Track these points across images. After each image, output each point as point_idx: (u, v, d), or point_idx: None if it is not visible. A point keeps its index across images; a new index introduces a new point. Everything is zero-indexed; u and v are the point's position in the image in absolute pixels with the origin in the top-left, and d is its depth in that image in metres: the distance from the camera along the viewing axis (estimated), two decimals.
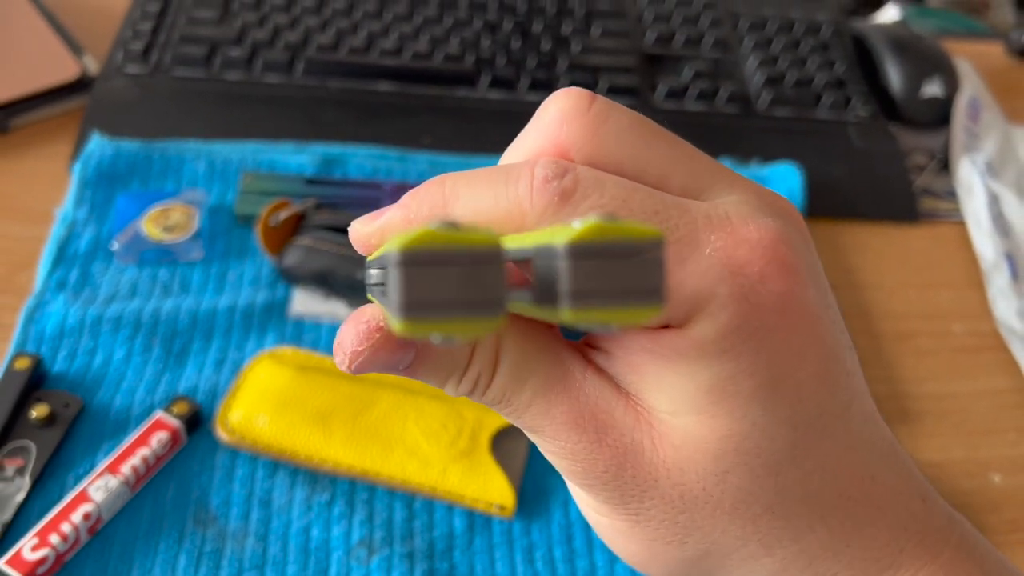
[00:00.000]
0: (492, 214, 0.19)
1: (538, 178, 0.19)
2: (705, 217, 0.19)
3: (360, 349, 0.19)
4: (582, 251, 0.14)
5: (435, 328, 0.14)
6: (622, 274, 0.14)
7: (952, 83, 0.63)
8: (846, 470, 0.20)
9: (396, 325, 0.14)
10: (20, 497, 0.37)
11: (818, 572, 0.21)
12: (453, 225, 0.14)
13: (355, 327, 0.20)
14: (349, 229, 0.22)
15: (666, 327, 0.19)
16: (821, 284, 0.20)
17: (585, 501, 0.22)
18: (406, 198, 0.21)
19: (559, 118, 0.20)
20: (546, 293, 0.15)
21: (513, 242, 0.17)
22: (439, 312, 0.14)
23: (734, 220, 0.19)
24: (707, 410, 0.19)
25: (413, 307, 0.14)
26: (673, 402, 0.19)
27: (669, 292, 0.15)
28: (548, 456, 0.21)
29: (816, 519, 0.20)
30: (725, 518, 0.20)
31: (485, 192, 0.19)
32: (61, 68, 0.55)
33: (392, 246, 0.14)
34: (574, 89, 0.21)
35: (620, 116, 0.20)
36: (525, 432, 0.22)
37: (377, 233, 0.21)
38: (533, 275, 0.16)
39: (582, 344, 0.21)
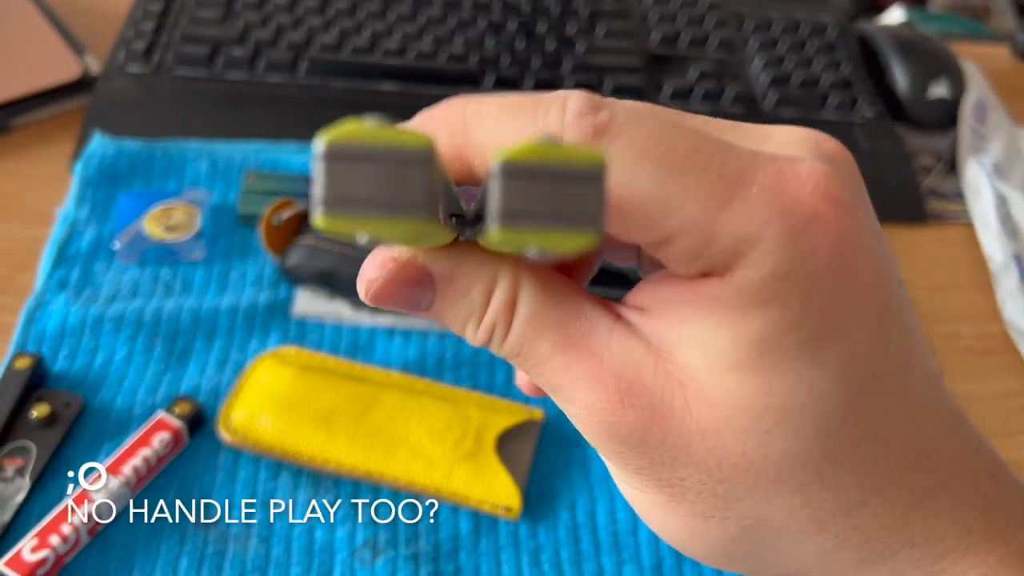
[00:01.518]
0: None
1: (571, 112, 0.17)
2: (751, 155, 0.17)
3: (374, 277, 0.19)
4: (517, 171, 0.14)
5: (355, 225, 0.14)
6: (558, 198, 0.14)
7: (959, 84, 0.62)
8: (903, 437, 0.18)
9: (317, 220, 0.14)
10: (20, 498, 0.36)
11: (875, 552, 0.19)
12: (387, 121, 0.14)
13: (374, 257, 0.19)
14: None
15: (706, 275, 0.17)
16: (876, 228, 0.18)
17: (619, 475, 0.21)
18: (422, 117, 0.19)
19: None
20: (480, 215, 0.14)
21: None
22: (359, 209, 0.14)
23: (780, 159, 0.17)
24: (748, 365, 0.17)
25: (332, 201, 0.14)
26: (710, 358, 0.18)
27: (605, 226, 0.14)
28: (571, 418, 0.20)
29: (870, 491, 0.18)
30: (770, 487, 0.18)
31: (511, 122, 0.18)
32: (63, 67, 0.55)
33: (319, 139, 0.14)
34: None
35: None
36: (545, 390, 0.20)
37: None
38: (477, 203, 0.16)
39: (614, 302, 0.20)
